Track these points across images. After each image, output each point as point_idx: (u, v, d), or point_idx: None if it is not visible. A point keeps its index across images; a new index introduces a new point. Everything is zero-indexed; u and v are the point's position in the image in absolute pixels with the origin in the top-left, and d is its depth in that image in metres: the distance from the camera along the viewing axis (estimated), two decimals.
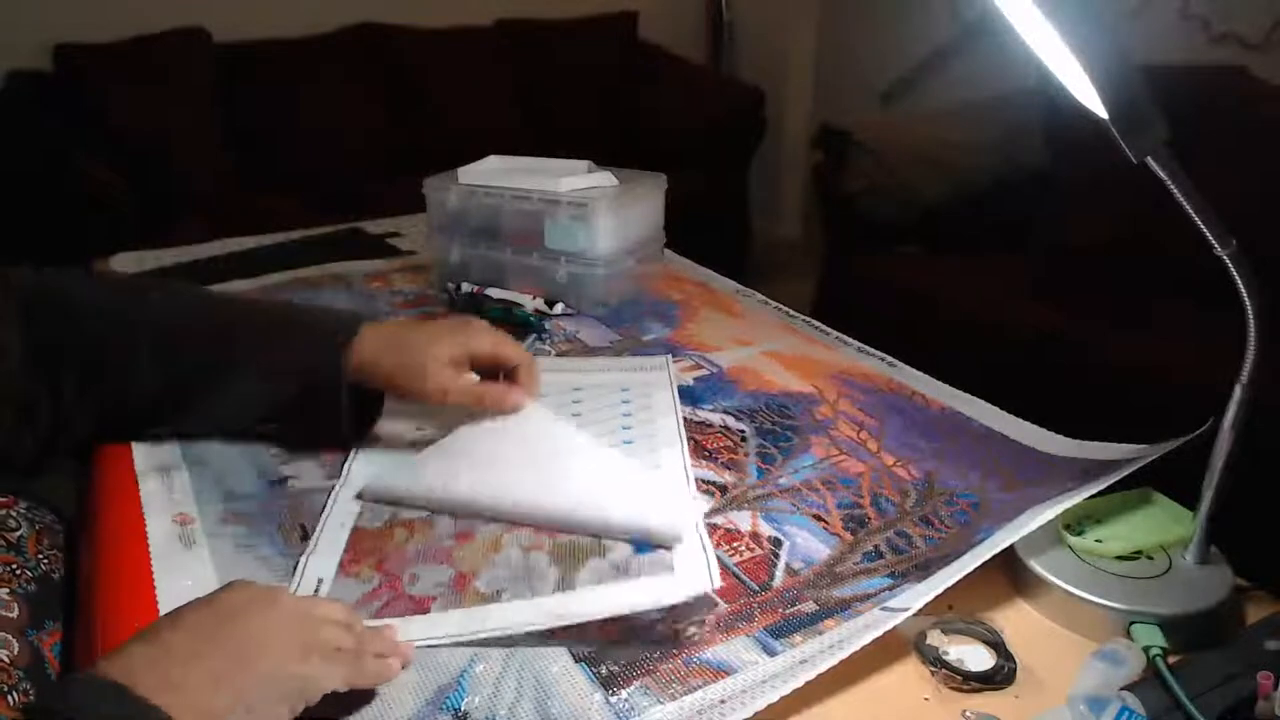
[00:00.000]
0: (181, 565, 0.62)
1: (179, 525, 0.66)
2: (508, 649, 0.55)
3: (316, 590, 0.60)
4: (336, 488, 0.71)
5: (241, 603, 0.49)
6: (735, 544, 0.65)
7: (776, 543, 0.65)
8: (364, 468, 0.73)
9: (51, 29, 2.45)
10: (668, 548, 0.63)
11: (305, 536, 0.65)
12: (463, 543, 0.64)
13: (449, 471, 0.69)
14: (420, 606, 0.58)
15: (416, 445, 0.74)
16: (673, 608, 0.58)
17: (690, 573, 0.60)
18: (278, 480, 0.72)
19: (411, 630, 0.56)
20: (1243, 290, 0.54)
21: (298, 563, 0.62)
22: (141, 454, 0.74)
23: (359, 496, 0.70)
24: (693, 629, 0.56)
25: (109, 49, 2.47)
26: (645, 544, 0.64)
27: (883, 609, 0.57)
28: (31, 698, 0.53)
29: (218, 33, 2.64)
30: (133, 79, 2.47)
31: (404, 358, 0.72)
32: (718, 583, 0.59)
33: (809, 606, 0.58)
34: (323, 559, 0.63)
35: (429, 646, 0.55)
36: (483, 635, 0.56)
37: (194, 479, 0.71)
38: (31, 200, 2.21)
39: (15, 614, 0.57)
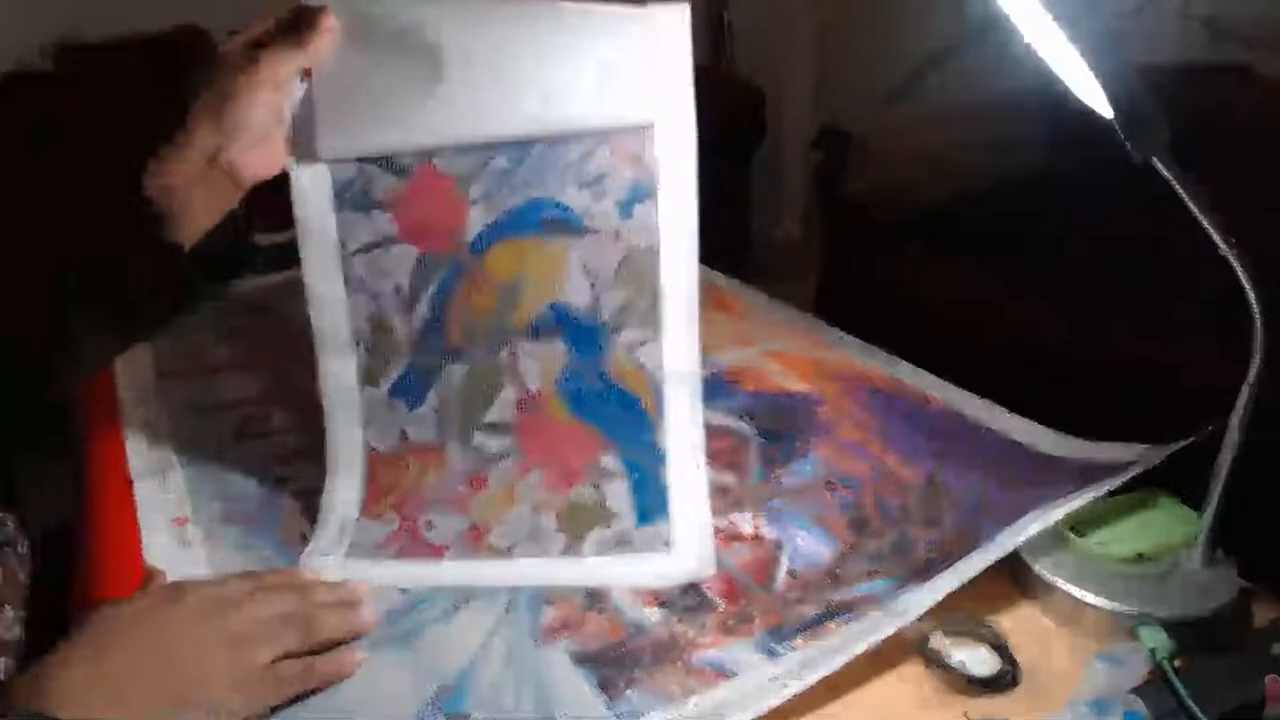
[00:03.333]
0: (178, 567, 0.61)
1: (175, 526, 0.66)
2: (507, 650, 0.55)
3: (340, 536, 0.63)
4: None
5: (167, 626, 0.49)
6: (737, 545, 0.64)
7: (778, 545, 0.64)
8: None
9: (51, 29, 2.45)
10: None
11: (305, 539, 0.64)
12: (477, 489, 0.66)
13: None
14: (436, 552, 0.62)
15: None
16: (671, 608, 0.58)
17: (688, 550, 0.62)
18: (276, 480, 0.71)
19: (422, 576, 0.60)
20: (1249, 290, 0.54)
21: (320, 503, 0.65)
22: (136, 455, 0.74)
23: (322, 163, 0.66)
24: (692, 631, 0.56)
25: (109, 49, 2.46)
26: (643, 486, 0.65)
27: (885, 612, 0.56)
28: None
29: (218, 33, 2.64)
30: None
31: None
32: (712, 568, 0.61)
33: (811, 609, 0.58)
34: (345, 493, 0.65)
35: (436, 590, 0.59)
36: (489, 586, 0.59)
37: (190, 479, 0.71)
38: None
39: None
